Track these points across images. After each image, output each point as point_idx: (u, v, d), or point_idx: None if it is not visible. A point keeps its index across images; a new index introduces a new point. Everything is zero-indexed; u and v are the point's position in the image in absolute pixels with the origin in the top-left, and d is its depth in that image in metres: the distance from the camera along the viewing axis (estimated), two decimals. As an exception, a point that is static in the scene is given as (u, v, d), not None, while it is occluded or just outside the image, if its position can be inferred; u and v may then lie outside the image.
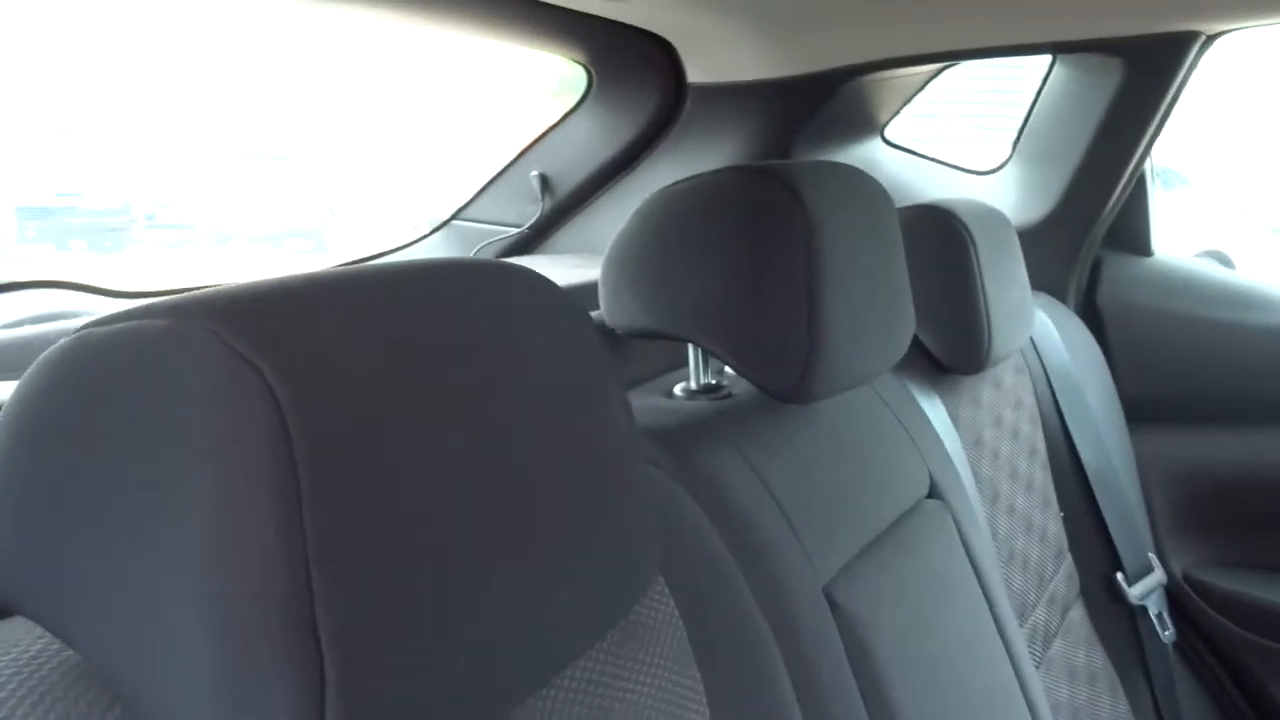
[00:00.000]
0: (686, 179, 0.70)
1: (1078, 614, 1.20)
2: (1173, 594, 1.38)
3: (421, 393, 0.36)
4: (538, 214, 1.37)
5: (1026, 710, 0.85)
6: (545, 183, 1.37)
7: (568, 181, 1.38)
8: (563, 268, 1.14)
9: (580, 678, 0.49)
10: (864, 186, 0.74)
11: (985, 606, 0.86)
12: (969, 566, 0.85)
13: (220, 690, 0.31)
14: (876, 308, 0.72)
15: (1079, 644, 1.17)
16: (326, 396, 0.33)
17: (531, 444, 0.40)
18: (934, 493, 0.86)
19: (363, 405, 0.34)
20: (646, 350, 0.82)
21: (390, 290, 0.38)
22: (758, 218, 0.67)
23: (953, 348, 1.02)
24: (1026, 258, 1.14)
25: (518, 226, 1.39)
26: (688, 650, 0.56)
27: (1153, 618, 1.23)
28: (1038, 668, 1.08)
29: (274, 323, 0.34)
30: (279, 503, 0.31)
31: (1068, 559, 1.21)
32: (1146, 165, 1.42)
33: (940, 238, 1.01)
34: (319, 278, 0.37)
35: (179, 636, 0.32)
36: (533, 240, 1.42)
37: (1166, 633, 1.24)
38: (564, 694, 0.47)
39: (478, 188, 1.42)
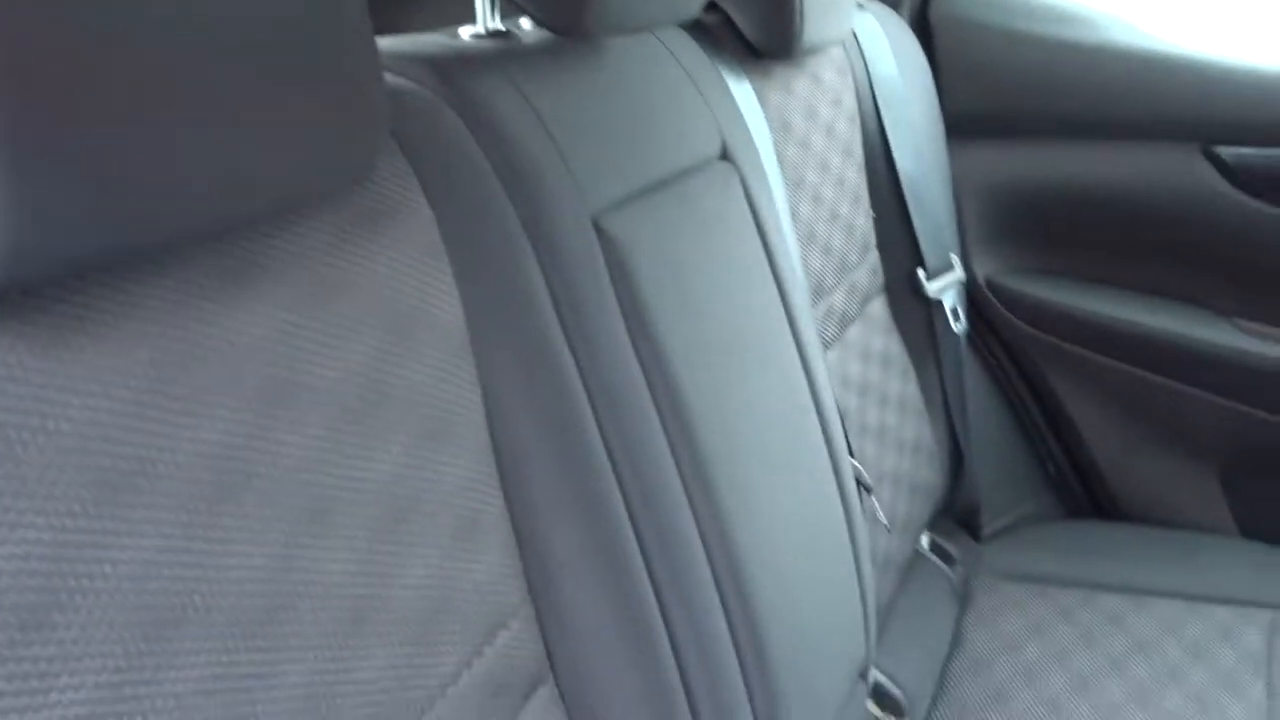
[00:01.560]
0: None
1: (879, 306, 1.29)
2: (973, 297, 1.48)
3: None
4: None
5: (800, 367, 0.92)
6: None
7: None
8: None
9: (315, 239, 0.51)
10: None
11: (769, 273, 0.91)
12: (755, 231, 0.90)
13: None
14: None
15: (877, 331, 1.26)
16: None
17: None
18: (725, 156, 0.89)
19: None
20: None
21: None
22: None
23: (762, 28, 1.04)
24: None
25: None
26: (439, 247, 0.59)
27: (947, 311, 1.33)
28: (830, 346, 1.16)
29: None
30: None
31: (874, 254, 1.28)
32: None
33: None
34: None
35: None
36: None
37: (959, 325, 1.34)
38: (295, 250, 0.50)
39: None
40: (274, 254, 0.49)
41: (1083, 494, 1.55)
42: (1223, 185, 1.34)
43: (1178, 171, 1.37)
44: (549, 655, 0.64)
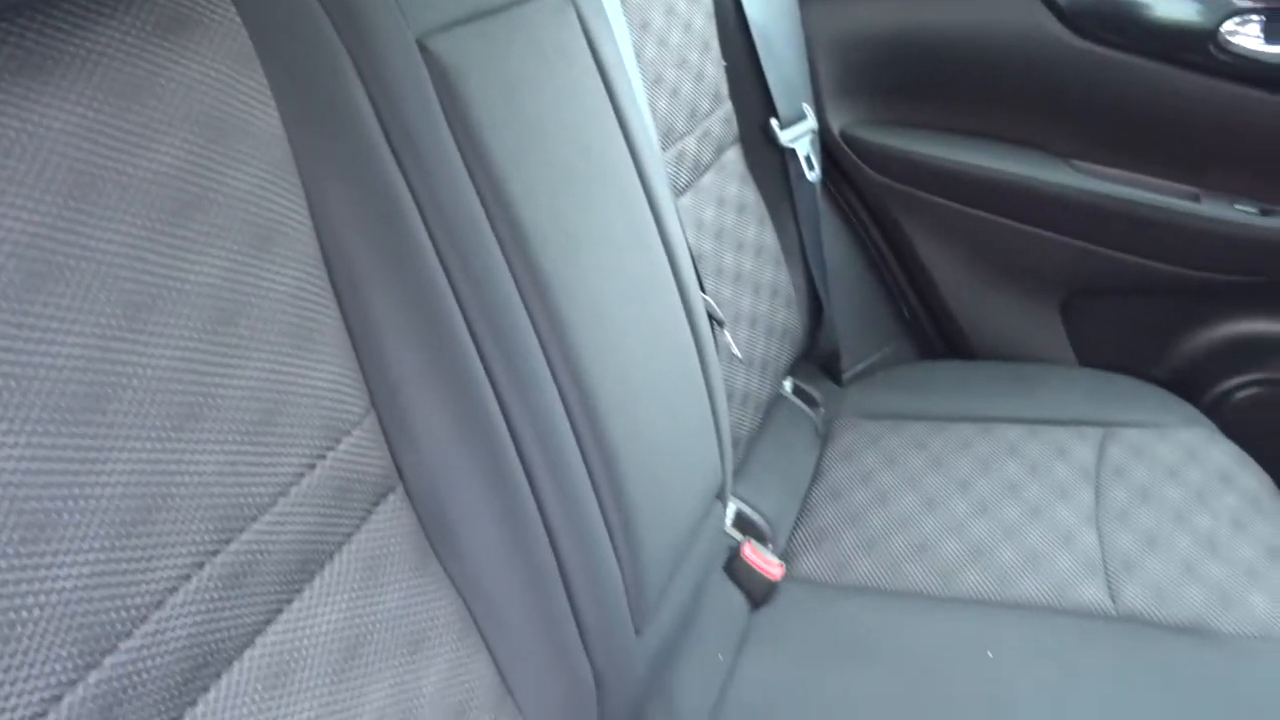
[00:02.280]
0: None
1: (734, 155, 1.31)
2: (828, 148, 1.52)
3: None
4: None
5: (646, 203, 0.94)
6: None
7: None
8: None
9: (115, 39, 0.51)
10: None
11: (610, 109, 0.92)
12: (594, 66, 0.91)
13: None
14: None
15: (731, 179, 1.29)
16: None
17: None
18: (561, -10, 0.89)
19: None
20: None
21: None
22: None
23: None
24: None
25: None
26: (251, 56, 0.59)
27: (801, 159, 1.36)
28: (683, 192, 1.19)
29: None
30: None
31: (727, 104, 1.30)
32: None
33: None
34: None
35: None
36: None
37: (813, 173, 1.38)
38: (94, 48, 0.49)
39: None
40: (72, 51, 0.49)
41: (936, 335, 1.63)
42: (1057, 28, 1.39)
43: (1016, 17, 1.42)
44: (397, 464, 0.66)
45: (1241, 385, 1.48)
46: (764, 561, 1.10)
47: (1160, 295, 1.50)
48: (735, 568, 1.09)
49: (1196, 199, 1.42)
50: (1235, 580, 1.05)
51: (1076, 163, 1.47)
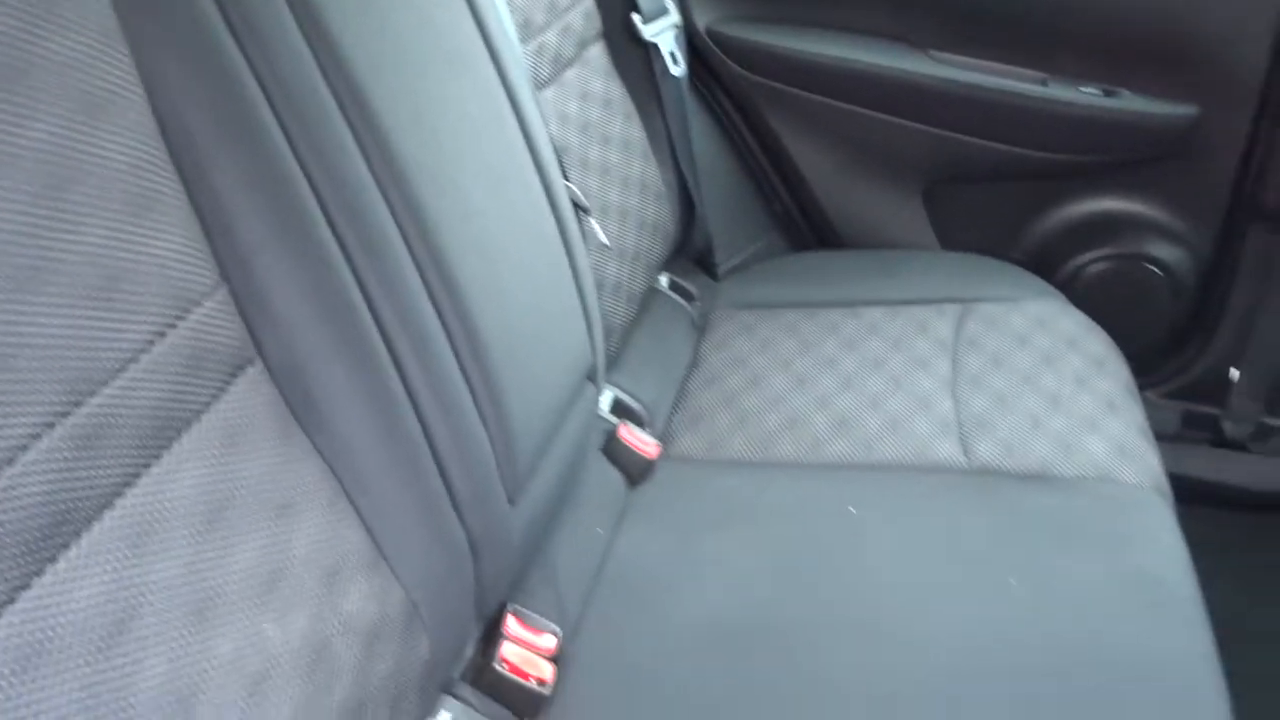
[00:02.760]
0: None
1: (597, 50, 1.32)
2: (694, 45, 1.53)
3: None
4: None
5: (502, 88, 0.94)
6: None
7: None
8: None
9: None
10: None
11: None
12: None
13: None
14: None
15: (596, 75, 1.30)
16: None
17: None
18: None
19: None
20: None
21: None
22: None
23: None
24: None
25: None
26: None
27: (665, 55, 1.38)
28: (545, 86, 1.19)
29: None
30: None
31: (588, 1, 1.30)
32: None
33: None
34: None
35: None
36: None
37: (678, 69, 1.40)
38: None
39: None
40: None
41: (806, 227, 1.67)
42: (909, -82, 1.43)
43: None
44: (255, 338, 0.67)
45: (1092, 260, 1.57)
46: (640, 442, 1.14)
47: (1016, 179, 1.57)
48: (612, 448, 1.13)
49: (1044, 83, 1.48)
50: (1076, 430, 1.12)
51: (934, 53, 1.51)
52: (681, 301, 1.45)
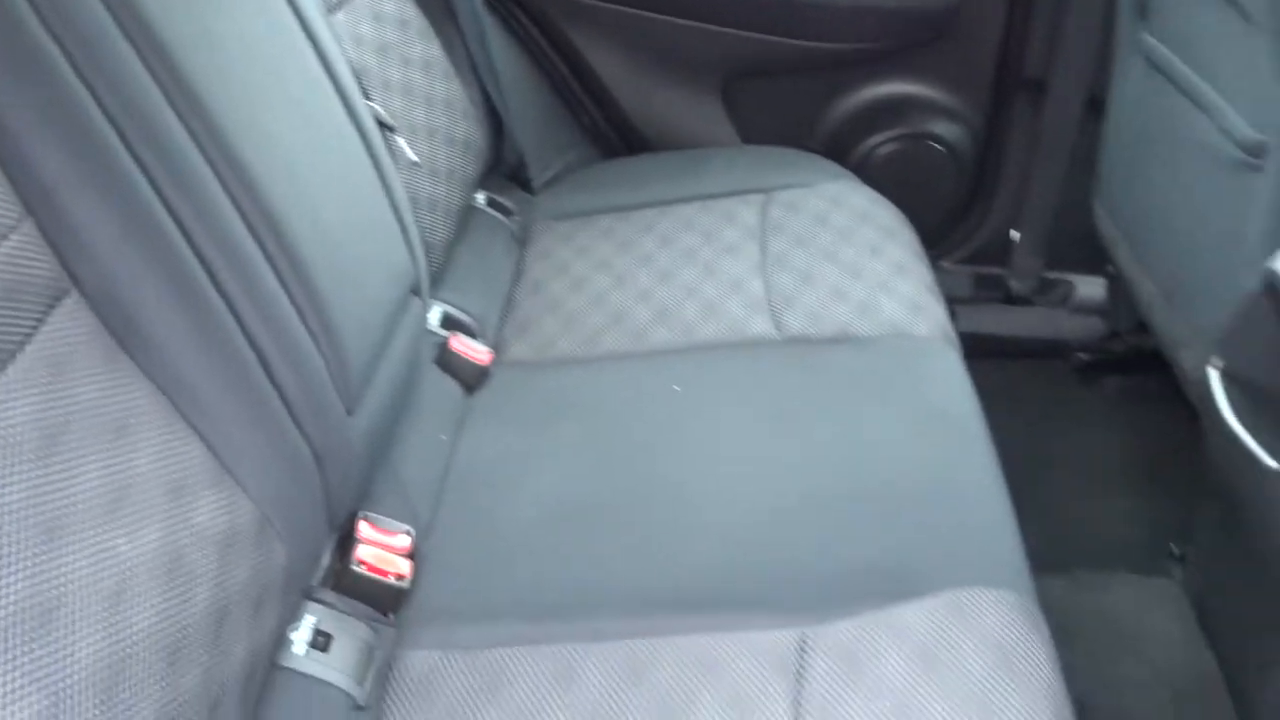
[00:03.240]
0: None
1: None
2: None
3: None
4: None
5: (290, 10, 0.95)
6: None
7: None
8: None
9: None
10: None
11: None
12: None
13: None
14: None
15: (387, -6, 1.31)
16: None
17: None
18: None
19: None
20: None
21: None
22: None
23: None
24: None
25: None
26: None
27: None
28: (336, 9, 1.19)
29: None
30: None
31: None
32: None
33: None
34: None
35: None
36: None
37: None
38: None
39: None
40: None
41: (615, 136, 1.72)
42: None
43: None
44: (69, 270, 0.67)
45: (881, 142, 1.68)
46: (472, 350, 1.19)
47: (804, 71, 1.66)
48: (446, 359, 1.17)
49: (820, -23, 1.56)
50: (872, 294, 1.23)
51: (715, -45, 1.57)
52: (500, 217, 1.48)
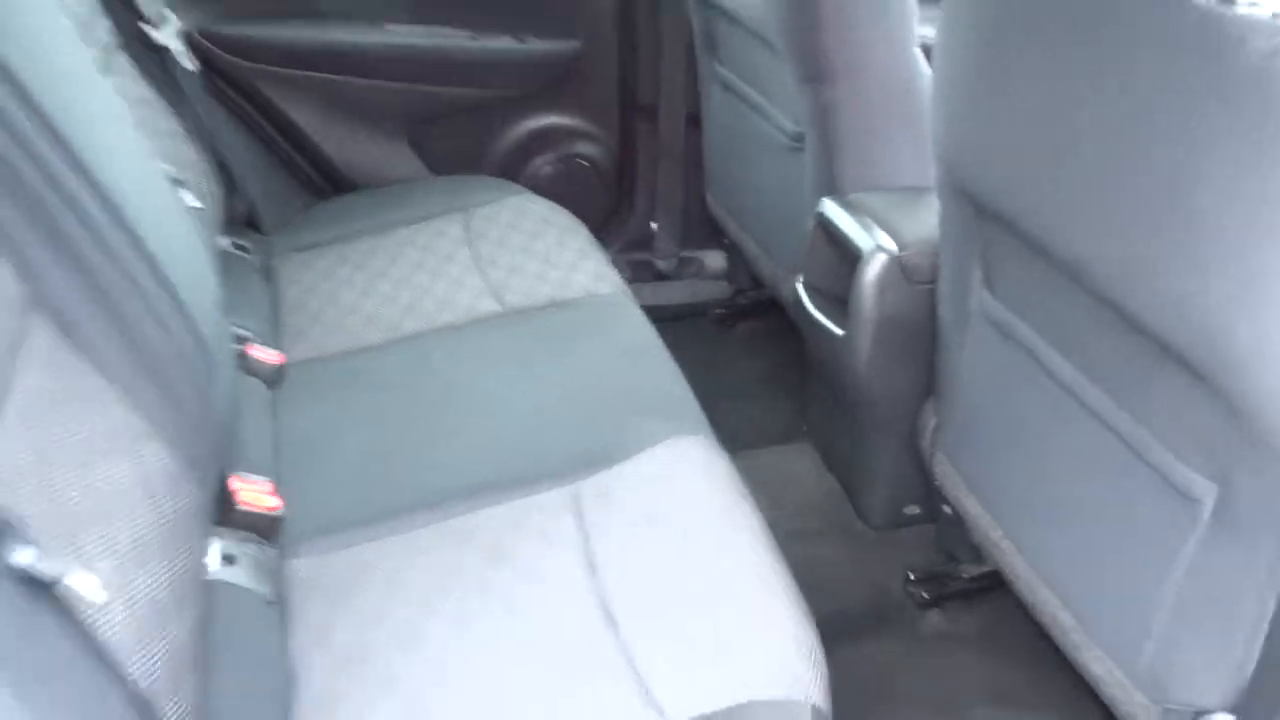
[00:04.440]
0: None
1: (123, 59, 1.57)
2: (195, 46, 1.81)
3: None
4: None
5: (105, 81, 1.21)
6: None
7: None
8: None
9: None
10: None
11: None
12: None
13: None
14: None
15: (128, 79, 1.55)
16: None
17: None
18: None
19: None
20: None
21: None
22: None
23: None
24: None
25: None
26: None
27: (177, 55, 1.65)
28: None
29: None
30: None
31: (103, 19, 1.54)
32: None
33: None
34: None
35: None
36: None
37: (193, 65, 1.68)
38: None
39: None
40: None
41: (324, 181, 2.04)
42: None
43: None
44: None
45: (542, 164, 2.12)
46: (264, 354, 1.47)
47: (477, 111, 2.06)
48: (246, 364, 1.44)
49: (474, 36, 1.98)
50: (566, 273, 1.64)
51: (388, 25, 1.94)
52: (245, 255, 1.75)
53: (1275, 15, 0.80)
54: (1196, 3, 0.81)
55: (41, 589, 0.71)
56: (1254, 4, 0.82)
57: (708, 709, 0.94)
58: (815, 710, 0.96)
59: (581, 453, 1.26)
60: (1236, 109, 0.78)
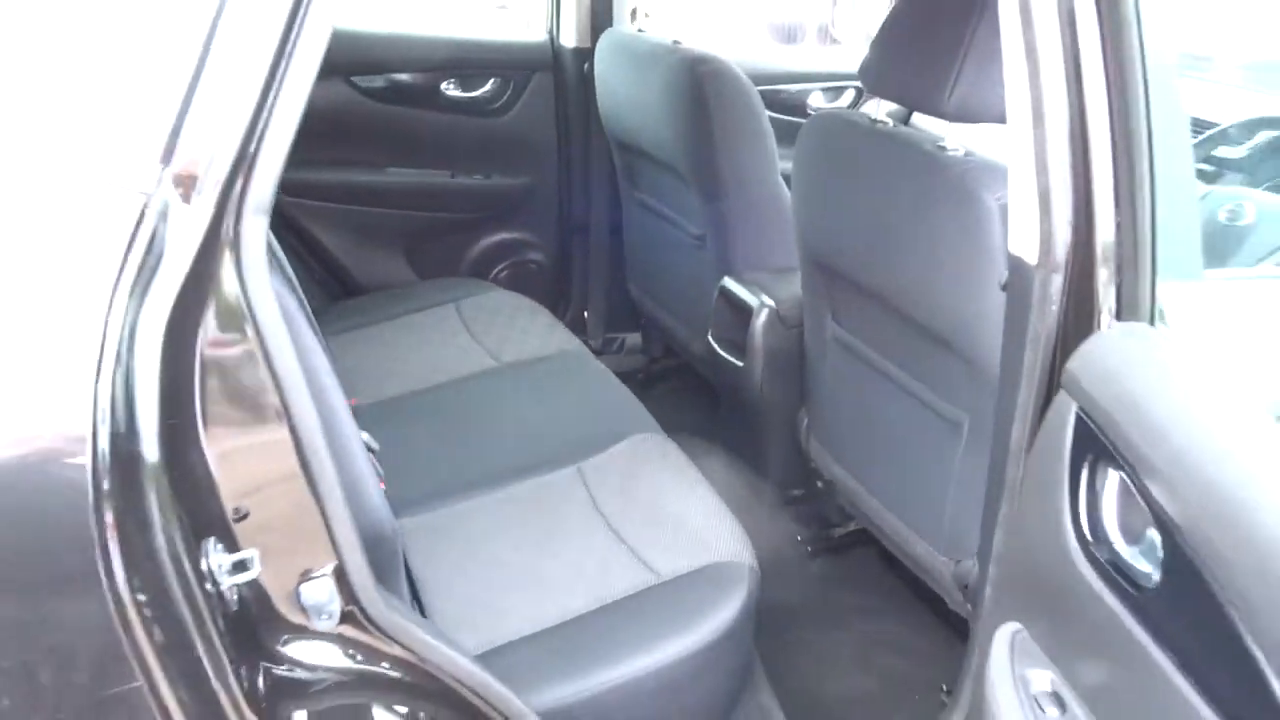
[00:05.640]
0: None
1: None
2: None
3: None
4: None
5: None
6: None
7: None
8: None
9: None
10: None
11: None
12: None
13: None
14: None
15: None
16: None
17: None
18: None
19: None
20: None
21: None
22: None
23: None
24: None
25: None
26: None
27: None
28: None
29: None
30: None
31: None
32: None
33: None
34: None
35: None
36: None
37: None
38: None
39: None
40: None
41: (338, 284, 2.65)
42: (357, 96, 2.50)
43: (332, 94, 2.49)
44: None
45: (503, 267, 2.79)
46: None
47: (454, 231, 2.72)
48: (330, 406, 2.02)
49: (452, 175, 2.65)
50: (543, 338, 2.28)
51: (388, 169, 2.60)
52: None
53: (965, 152, 1.53)
54: (925, 149, 1.54)
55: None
56: (955, 150, 1.55)
57: (683, 568, 1.57)
58: (750, 570, 1.60)
59: (579, 446, 1.89)
60: (947, 206, 1.50)
